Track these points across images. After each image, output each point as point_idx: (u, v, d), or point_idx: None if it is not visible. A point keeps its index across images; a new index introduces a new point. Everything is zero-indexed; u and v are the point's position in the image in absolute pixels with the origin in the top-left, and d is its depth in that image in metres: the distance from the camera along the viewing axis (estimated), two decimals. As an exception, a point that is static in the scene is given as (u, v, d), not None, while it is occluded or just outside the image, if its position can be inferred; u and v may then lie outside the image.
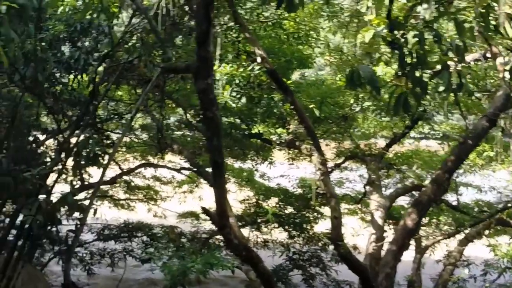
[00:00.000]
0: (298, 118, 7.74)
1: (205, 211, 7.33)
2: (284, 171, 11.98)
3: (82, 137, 6.54)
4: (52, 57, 6.81)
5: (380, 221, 8.09)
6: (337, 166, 8.90)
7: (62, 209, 7.93)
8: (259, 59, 7.08)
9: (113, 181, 10.84)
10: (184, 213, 12.65)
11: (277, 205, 10.89)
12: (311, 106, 7.99)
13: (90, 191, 9.97)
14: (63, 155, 6.84)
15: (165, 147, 9.24)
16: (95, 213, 7.88)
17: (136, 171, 12.30)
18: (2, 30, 4.98)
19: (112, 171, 10.92)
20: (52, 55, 6.81)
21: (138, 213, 13.24)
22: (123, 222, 10.69)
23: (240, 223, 12.07)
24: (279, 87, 7.41)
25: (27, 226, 6.84)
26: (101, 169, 7.67)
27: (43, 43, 6.19)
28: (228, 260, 5.82)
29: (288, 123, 8.80)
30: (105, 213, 10.68)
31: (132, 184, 12.75)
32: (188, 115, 10.10)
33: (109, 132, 9.53)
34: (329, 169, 8.81)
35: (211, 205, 12.76)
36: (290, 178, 12.04)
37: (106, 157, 7.17)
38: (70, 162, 7.47)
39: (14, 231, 8.56)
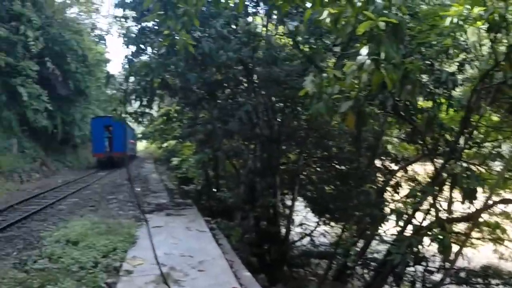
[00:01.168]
0: None
1: None
2: None
3: (458, 168, 5.57)
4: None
5: None
6: None
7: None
8: None
9: (468, 218, 9.60)
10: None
11: None
12: None
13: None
14: (435, 187, 6.05)
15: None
16: (457, 254, 6.92)
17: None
18: (383, 49, 4.53)
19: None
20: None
21: (479, 251, 11.69)
22: (482, 267, 9.31)
23: None
24: None
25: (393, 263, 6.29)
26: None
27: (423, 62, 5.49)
28: None
29: None
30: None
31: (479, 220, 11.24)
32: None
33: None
34: None
35: None
36: None
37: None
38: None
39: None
